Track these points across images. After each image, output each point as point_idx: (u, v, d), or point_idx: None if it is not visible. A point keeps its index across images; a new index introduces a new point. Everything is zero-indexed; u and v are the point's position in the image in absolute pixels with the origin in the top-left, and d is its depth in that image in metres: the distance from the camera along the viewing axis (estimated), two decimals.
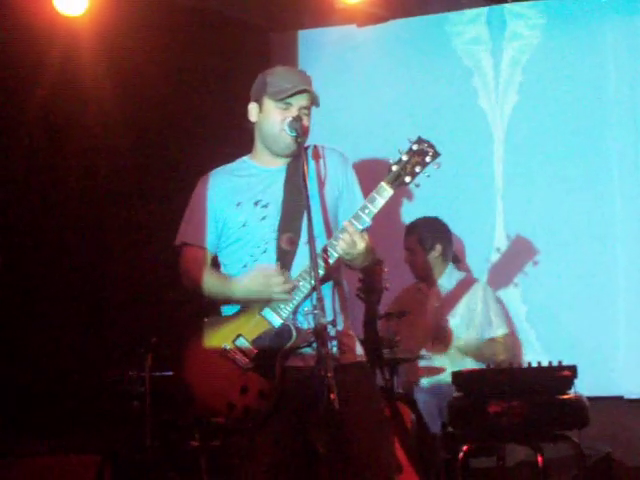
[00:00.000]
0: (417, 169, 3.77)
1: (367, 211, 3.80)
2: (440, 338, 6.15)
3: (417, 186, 3.80)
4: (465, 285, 6.24)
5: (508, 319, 6.29)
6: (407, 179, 3.78)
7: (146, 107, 6.47)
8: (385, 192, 3.79)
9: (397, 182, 3.79)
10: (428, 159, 3.77)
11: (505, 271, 6.68)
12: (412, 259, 6.26)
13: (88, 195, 6.39)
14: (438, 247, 6.22)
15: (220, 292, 4.00)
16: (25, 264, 6.10)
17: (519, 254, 6.67)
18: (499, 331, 6.12)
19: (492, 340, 6.09)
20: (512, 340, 6.28)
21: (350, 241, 3.78)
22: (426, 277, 6.27)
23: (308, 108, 3.96)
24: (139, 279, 6.36)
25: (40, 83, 6.04)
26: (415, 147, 3.78)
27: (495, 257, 6.77)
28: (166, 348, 5.60)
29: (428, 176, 3.78)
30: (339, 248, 3.79)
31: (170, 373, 4.54)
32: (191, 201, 4.11)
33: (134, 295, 6.37)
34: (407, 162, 3.77)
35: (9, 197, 6.06)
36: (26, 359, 6.01)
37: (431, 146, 3.78)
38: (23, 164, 6.09)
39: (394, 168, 3.79)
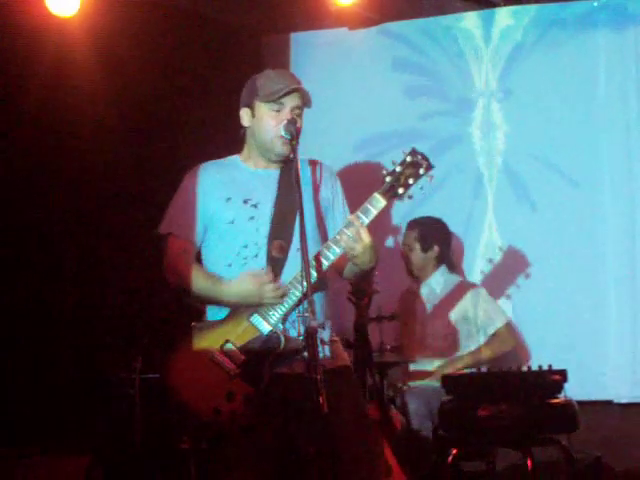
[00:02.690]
0: (410, 181, 3.78)
1: (360, 221, 3.79)
2: (428, 342, 6.18)
3: (410, 198, 3.81)
4: (460, 290, 6.24)
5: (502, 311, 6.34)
6: (400, 191, 3.80)
7: (138, 108, 6.45)
8: (378, 203, 3.80)
9: (390, 193, 3.80)
10: (422, 171, 3.78)
11: (497, 279, 6.69)
12: (408, 256, 6.27)
13: (80, 197, 6.36)
14: (436, 248, 6.25)
15: (209, 293, 3.97)
16: (14, 266, 6.08)
17: (510, 264, 6.68)
18: (498, 323, 6.16)
19: (495, 335, 6.14)
20: (512, 327, 6.32)
21: (356, 233, 3.77)
22: (418, 276, 6.29)
23: (300, 108, 3.97)
24: (130, 280, 6.35)
25: (32, 83, 6.01)
26: (409, 159, 3.79)
27: (487, 267, 6.79)
28: (157, 350, 5.59)
29: (421, 188, 3.79)
30: (343, 242, 3.79)
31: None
32: (179, 192, 4.08)
33: (125, 296, 6.36)
34: (401, 174, 3.79)
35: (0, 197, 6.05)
36: (15, 361, 6.00)
37: (425, 158, 3.79)
38: (15, 164, 6.06)
39: (388, 179, 3.80)
